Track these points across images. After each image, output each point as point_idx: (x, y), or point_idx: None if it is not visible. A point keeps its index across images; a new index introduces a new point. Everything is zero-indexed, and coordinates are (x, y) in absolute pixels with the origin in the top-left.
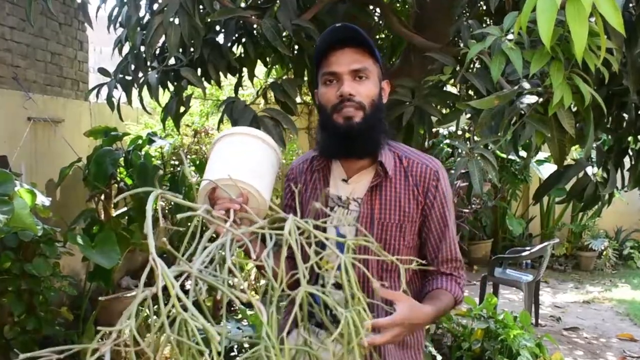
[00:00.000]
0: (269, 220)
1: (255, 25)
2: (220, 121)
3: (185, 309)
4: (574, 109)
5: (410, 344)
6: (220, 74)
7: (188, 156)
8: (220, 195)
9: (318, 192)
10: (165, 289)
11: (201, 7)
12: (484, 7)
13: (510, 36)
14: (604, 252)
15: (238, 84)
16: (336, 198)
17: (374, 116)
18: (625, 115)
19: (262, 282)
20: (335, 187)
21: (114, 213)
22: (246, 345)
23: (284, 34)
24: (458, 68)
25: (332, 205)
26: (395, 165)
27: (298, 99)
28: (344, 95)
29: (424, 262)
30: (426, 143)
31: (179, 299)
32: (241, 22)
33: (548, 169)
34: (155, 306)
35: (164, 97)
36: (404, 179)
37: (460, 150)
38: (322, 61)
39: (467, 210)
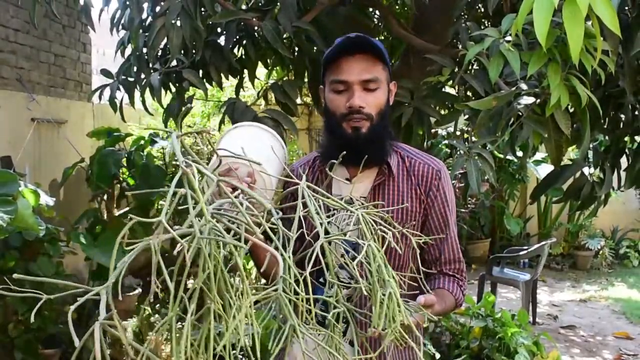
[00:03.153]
0: (277, 199)
1: (256, 27)
2: (222, 122)
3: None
4: (571, 110)
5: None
6: (222, 75)
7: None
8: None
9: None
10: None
11: (203, 9)
12: (482, 10)
13: (508, 38)
14: (601, 252)
15: (239, 86)
16: (339, 198)
17: (381, 124)
18: (622, 116)
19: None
20: (337, 187)
21: (117, 213)
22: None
23: (285, 35)
24: (456, 69)
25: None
26: (398, 164)
27: (298, 100)
28: (353, 107)
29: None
30: (425, 144)
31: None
32: (242, 24)
33: (545, 169)
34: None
35: (166, 98)
36: (407, 178)
37: (458, 150)
38: (332, 65)
39: (464, 210)
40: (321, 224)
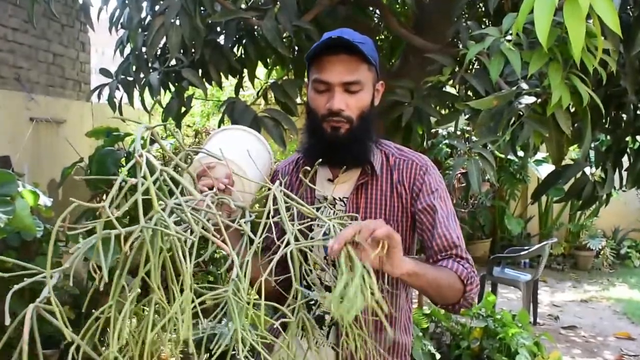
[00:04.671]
0: (256, 201)
1: (255, 27)
2: (221, 121)
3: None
4: (572, 110)
5: (396, 350)
6: (221, 74)
7: (189, 157)
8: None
9: (304, 192)
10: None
11: (202, 8)
12: (483, 9)
13: (509, 37)
14: (602, 252)
15: (239, 85)
16: (322, 198)
17: (361, 127)
18: (623, 115)
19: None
20: (321, 187)
21: (116, 213)
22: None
23: (285, 35)
24: (457, 69)
25: (318, 206)
26: (382, 163)
27: (298, 100)
28: (332, 110)
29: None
30: (425, 143)
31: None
32: (242, 23)
33: (546, 169)
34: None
35: (165, 97)
36: (390, 177)
37: (459, 150)
38: (315, 62)
39: (463, 211)
40: (295, 230)
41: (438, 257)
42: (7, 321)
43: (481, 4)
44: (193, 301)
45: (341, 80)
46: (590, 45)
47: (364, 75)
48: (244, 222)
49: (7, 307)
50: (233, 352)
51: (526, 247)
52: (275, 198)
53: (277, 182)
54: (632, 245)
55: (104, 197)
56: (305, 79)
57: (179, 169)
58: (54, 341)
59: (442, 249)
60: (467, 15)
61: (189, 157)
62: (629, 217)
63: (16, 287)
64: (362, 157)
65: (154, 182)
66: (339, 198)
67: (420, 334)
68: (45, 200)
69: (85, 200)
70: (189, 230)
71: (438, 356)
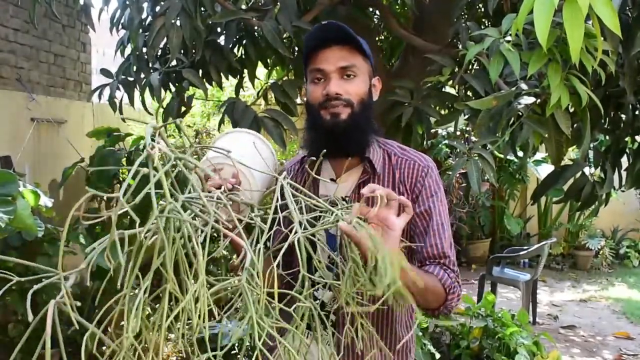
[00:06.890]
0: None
1: (256, 27)
2: (222, 122)
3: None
4: (571, 110)
5: (397, 348)
6: (222, 75)
7: (197, 155)
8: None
9: (309, 190)
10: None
11: (202, 9)
12: (482, 9)
13: (508, 38)
14: (601, 252)
15: (239, 85)
16: (324, 198)
17: (362, 114)
18: (622, 115)
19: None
20: (324, 187)
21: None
22: (247, 343)
23: (285, 35)
24: (457, 69)
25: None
26: (384, 162)
27: (298, 100)
28: (330, 95)
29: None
30: (425, 143)
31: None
32: (242, 24)
33: (546, 169)
34: None
35: (166, 98)
36: (392, 176)
37: (458, 150)
38: (311, 58)
39: (462, 210)
40: (301, 221)
41: (426, 263)
42: (30, 317)
43: (481, 5)
44: (207, 291)
45: (336, 65)
46: (589, 46)
47: (359, 62)
48: (255, 216)
49: (29, 304)
50: (234, 352)
51: (525, 247)
52: (282, 190)
53: (284, 173)
54: (631, 245)
55: (104, 198)
56: (304, 86)
57: (188, 169)
58: (55, 341)
59: (431, 256)
60: (466, 16)
61: (197, 155)
62: (628, 217)
63: (36, 286)
64: (362, 145)
65: (166, 175)
66: (341, 197)
67: (420, 333)
68: (46, 201)
69: (86, 201)
70: (200, 221)
71: (438, 356)
